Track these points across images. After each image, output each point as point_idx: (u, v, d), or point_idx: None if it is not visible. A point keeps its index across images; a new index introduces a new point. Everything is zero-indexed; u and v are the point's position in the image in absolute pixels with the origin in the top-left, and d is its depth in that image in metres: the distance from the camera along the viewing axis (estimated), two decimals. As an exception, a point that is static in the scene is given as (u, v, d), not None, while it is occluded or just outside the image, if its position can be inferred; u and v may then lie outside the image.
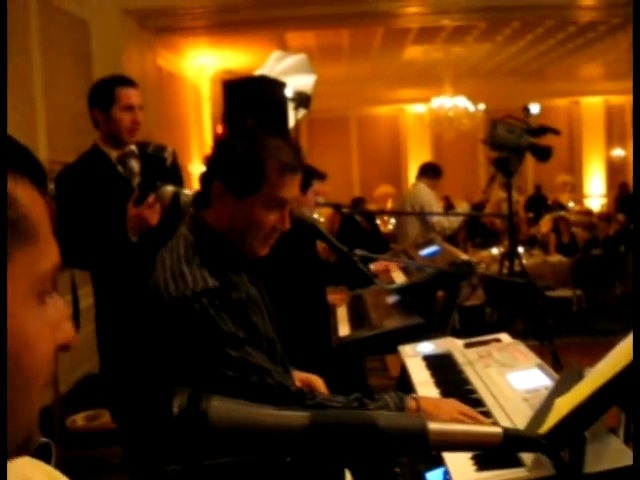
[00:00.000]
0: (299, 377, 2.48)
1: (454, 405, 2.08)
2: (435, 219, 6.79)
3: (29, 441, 0.73)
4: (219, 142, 2.21)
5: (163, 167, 3.44)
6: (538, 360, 2.46)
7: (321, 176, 4.29)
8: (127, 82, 3.63)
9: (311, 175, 4.15)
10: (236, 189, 2.03)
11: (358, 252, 2.77)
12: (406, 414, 0.88)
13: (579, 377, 1.91)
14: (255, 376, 1.96)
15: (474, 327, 7.30)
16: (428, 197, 7.08)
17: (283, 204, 2.08)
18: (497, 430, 0.94)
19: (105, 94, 3.56)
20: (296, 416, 0.86)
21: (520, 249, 9.26)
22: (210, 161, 2.15)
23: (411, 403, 2.06)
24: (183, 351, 2.00)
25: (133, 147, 3.63)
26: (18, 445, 0.71)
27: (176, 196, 3.26)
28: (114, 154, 3.59)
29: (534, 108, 6.12)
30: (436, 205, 7.32)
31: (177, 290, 1.97)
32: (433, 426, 0.87)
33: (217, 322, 1.95)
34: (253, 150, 2.02)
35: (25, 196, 0.73)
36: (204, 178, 2.14)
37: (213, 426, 0.82)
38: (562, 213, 13.85)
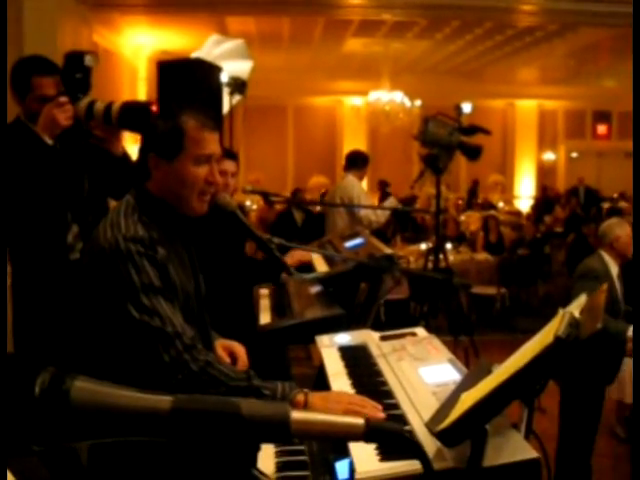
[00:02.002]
0: (222, 344, 2.64)
1: (344, 397, 2.13)
2: (362, 213, 6.77)
3: None
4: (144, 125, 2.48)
5: (82, 68, 3.39)
6: (450, 355, 2.50)
7: (232, 155, 4.07)
8: (45, 70, 3.44)
9: None
10: (165, 154, 2.26)
11: (276, 240, 2.77)
12: (271, 402, 0.88)
13: (487, 372, 1.94)
14: (158, 322, 2.11)
15: (399, 320, 7.37)
16: (357, 190, 7.04)
17: (208, 159, 2.29)
18: (359, 421, 0.95)
19: (22, 81, 3.41)
20: (158, 400, 0.85)
21: (448, 246, 9.41)
22: (141, 142, 2.40)
23: (299, 397, 2.12)
24: (101, 292, 2.16)
25: None
26: None
27: (91, 105, 3.31)
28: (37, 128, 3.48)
29: (466, 107, 6.20)
30: (365, 198, 7.26)
31: (112, 235, 2.17)
32: (296, 415, 0.87)
33: (138, 268, 2.13)
34: (172, 118, 2.28)
35: None
36: (139, 157, 2.38)
37: (74, 407, 0.81)
38: (492, 212, 14.07)
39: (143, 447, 2.02)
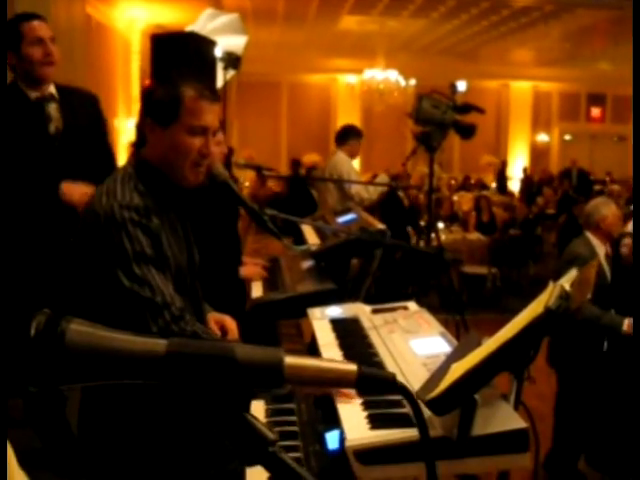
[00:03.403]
0: (214, 317, 2.64)
1: None
2: (354, 190, 6.67)
3: None
4: (145, 91, 2.46)
5: None
6: (441, 328, 2.51)
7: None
8: (32, 16, 3.47)
9: None
10: (160, 119, 2.24)
11: (269, 212, 2.78)
12: (265, 347, 0.90)
13: (477, 345, 1.96)
14: (148, 292, 2.11)
15: (390, 297, 7.35)
16: (347, 167, 6.85)
17: (204, 130, 2.26)
18: (352, 368, 0.96)
19: (12, 33, 3.41)
20: (153, 343, 0.87)
21: (440, 225, 9.42)
22: (140, 108, 2.38)
23: None
24: (94, 258, 2.17)
25: (52, 89, 3.54)
26: None
27: None
28: (33, 94, 3.47)
29: (461, 85, 6.16)
30: (355, 175, 7.01)
31: (107, 202, 2.17)
32: (289, 360, 0.89)
33: (131, 236, 2.13)
34: (171, 86, 2.26)
35: None
36: (138, 122, 2.37)
37: (69, 348, 0.82)
38: (484, 192, 14.09)
39: (134, 396, 2.06)
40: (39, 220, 3.44)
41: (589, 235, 4.68)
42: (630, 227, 4.86)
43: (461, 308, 5.85)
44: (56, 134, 3.49)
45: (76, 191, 3.37)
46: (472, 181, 18.00)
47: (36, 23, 3.44)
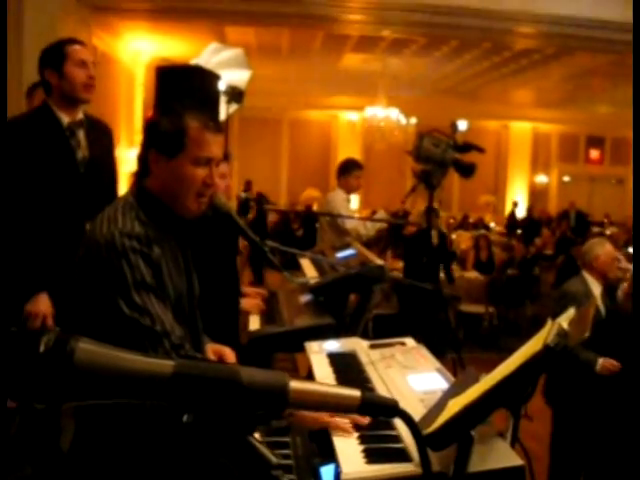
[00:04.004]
0: (212, 348, 2.63)
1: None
2: (349, 225, 6.58)
3: None
4: (148, 121, 2.44)
5: None
6: (438, 364, 2.51)
7: (225, 157, 4.15)
8: (76, 41, 3.60)
9: None
10: (165, 150, 2.26)
11: (270, 243, 2.78)
12: (270, 371, 0.91)
13: (475, 381, 1.96)
14: (148, 320, 2.11)
15: (387, 335, 7.30)
16: (340, 203, 6.69)
17: (208, 161, 2.28)
18: (356, 393, 0.97)
19: (55, 53, 3.49)
20: (161, 364, 0.88)
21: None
22: (143, 139, 2.38)
23: None
24: (94, 286, 2.16)
25: (82, 115, 3.59)
26: None
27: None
28: (66, 119, 3.52)
29: (461, 125, 6.20)
30: (345, 212, 6.79)
31: (108, 230, 2.18)
32: (294, 384, 0.90)
33: (132, 264, 2.13)
34: (176, 117, 2.28)
35: None
36: (141, 152, 2.36)
37: (77, 367, 0.83)
38: (483, 232, 14.11)
39: (129, 428, 2.06)
40: (57, 246, 3.45)
41: (585, 274, 4.79)
42: (624, 265, 4.92)
43: (458, 346, 5.83)
44: (82, 161, 3.54)
45: (37, 307, 3.39)
46: (470, 220, 18.05)
47: (79, 47, 3.54)
